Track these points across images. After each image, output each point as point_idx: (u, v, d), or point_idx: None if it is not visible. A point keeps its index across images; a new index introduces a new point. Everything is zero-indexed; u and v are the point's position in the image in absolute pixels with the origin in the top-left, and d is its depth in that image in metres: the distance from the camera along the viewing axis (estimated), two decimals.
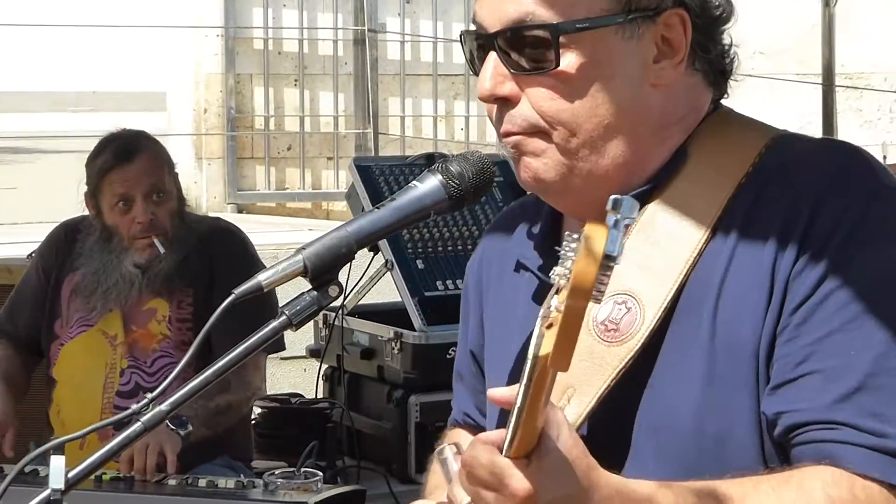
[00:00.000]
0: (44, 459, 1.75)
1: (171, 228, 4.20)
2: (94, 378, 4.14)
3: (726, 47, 1.93)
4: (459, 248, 5.60)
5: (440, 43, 11.51)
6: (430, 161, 5.64)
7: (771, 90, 10.52)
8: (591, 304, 1.48)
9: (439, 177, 1.84)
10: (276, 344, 4.23)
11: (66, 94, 25.33)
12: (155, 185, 4.17)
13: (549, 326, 1.52)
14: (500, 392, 1.65)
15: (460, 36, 1.92)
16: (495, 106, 1.86)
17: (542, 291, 1.91)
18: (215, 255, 4.22)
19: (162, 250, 4.16)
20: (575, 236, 1.50)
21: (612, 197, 1.52)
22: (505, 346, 1.97)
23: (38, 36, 23.89)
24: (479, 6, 1.87)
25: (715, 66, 1.91)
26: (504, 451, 1.59)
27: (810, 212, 1.75)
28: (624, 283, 1.79)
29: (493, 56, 1.83)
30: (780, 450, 1.77)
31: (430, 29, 11.53)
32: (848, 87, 10.55)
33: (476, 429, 2.15)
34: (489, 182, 1.85)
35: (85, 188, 4.26)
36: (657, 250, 1.80)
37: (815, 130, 8.90)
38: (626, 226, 1.47)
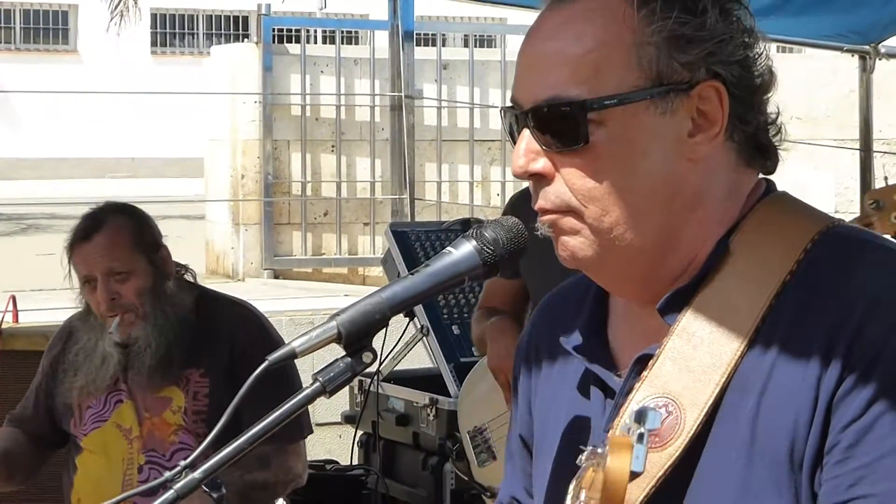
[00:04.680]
0: None
1: (143, 305, 4.03)
2: (113, 475, 4.09)
3: (770, 118, 1.88)
4: None
5: (476, 109, 11.55)
6: (465, 227, 5.65)
7: (809, 156, 10.51)
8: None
9: (474, 243, 1.82)
10: (304, 427, 4.19)
11: (105, 161, 25.52)
12: (110, 267, 4.02)
13: None
14: None
15: (500, 111, 1.91)
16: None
17: (586, 378, 1.90)
18: (237, 345, 4.08)
19: (113, 328, 4.01)
20: (599, 450, 1.65)
21: (637, 409, 1.60)
22: (554, 434, 1.95)
23: (77, 103, 24.14)
24: (515, 83, 1.86)
25: (753, 139, 1.85)
26: None
27: (858, 324, 1.70)
28: (664, 385, 1.77)
29: (526, 133, 1.82)
30: None
31: (466, 95, 11.57)
32: (886, 152, 10.53)
33: None
34: (524, 248, 1.84)
35: None
36: (698, 352, 1.77)
37: (853, 196, 8.87)
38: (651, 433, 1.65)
